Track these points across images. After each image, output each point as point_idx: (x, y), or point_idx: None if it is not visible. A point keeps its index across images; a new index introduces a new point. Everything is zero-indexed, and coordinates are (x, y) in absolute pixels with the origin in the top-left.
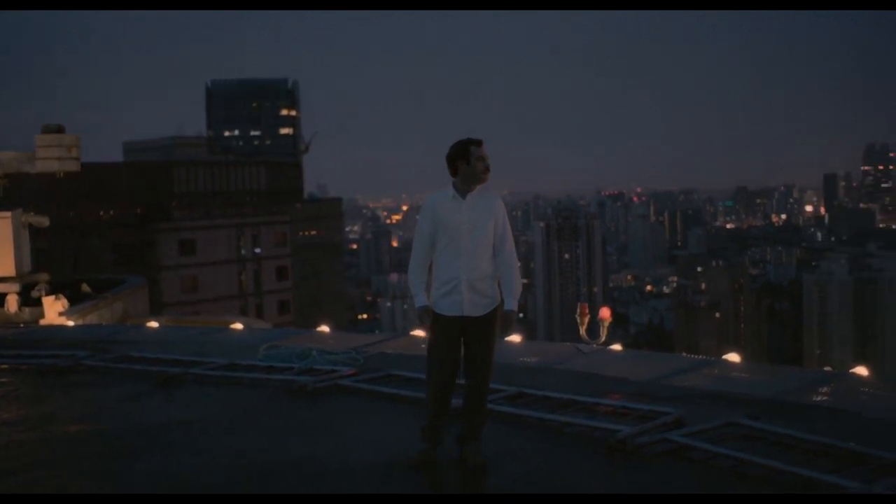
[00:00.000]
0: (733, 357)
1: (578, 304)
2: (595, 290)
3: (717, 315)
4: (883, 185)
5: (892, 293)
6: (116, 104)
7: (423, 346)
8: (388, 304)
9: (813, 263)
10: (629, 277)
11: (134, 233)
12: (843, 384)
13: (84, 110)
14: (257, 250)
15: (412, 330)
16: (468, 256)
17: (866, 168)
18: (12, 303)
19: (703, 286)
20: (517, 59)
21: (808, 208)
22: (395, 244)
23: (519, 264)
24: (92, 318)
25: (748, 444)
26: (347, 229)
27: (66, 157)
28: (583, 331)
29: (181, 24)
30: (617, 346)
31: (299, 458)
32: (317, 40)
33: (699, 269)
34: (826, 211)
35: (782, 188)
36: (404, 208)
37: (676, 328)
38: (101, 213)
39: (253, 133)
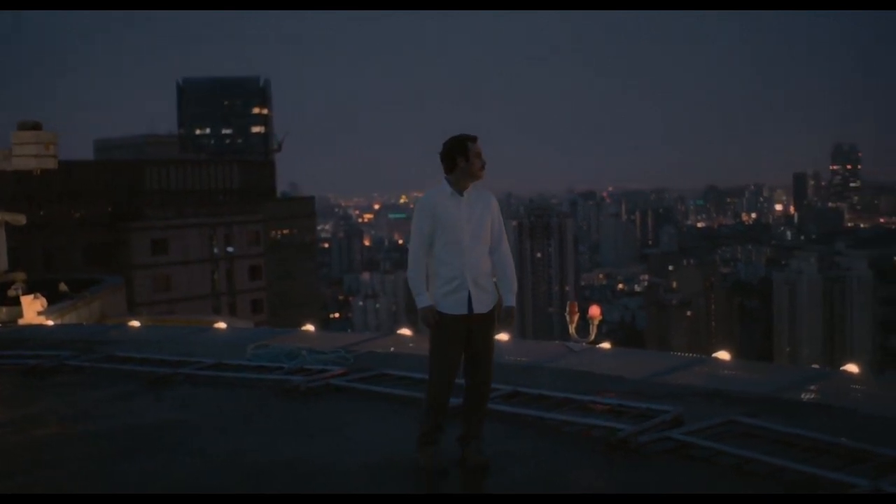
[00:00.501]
0: (723, 355)
1: (568, 302)
2: (567, 288)
3: (689, 313)
4: (851, 185)
5: (860, 291)
6: (86, 101)
7: (412, 344)
8: (361, 303)
9: (782, 262)
10: (601, 276)
11: (105, 232)
12: (835, 381)
13: (53, 107)
14: (230, 249)
15: (399, 329)
16: (470, 254)
17: (835, 167)
18: None
19: (675, 284)
20: (489, 58)
21: (778, 207)
22: (367, 243)
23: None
24: (71, 318)
25: (749, 442)
26: (319, 228)
27: (44, 154)
28: (572, 329)
29: (152, 20)
30: (606, 344)
31: (293, 458)
32: (290, 39)
33: (670, 267)
34: (796, 210)
35: (752, 187)
36: (376, 207)
37: (648, 326)
38: (72, 211)
39: (225, 131)
